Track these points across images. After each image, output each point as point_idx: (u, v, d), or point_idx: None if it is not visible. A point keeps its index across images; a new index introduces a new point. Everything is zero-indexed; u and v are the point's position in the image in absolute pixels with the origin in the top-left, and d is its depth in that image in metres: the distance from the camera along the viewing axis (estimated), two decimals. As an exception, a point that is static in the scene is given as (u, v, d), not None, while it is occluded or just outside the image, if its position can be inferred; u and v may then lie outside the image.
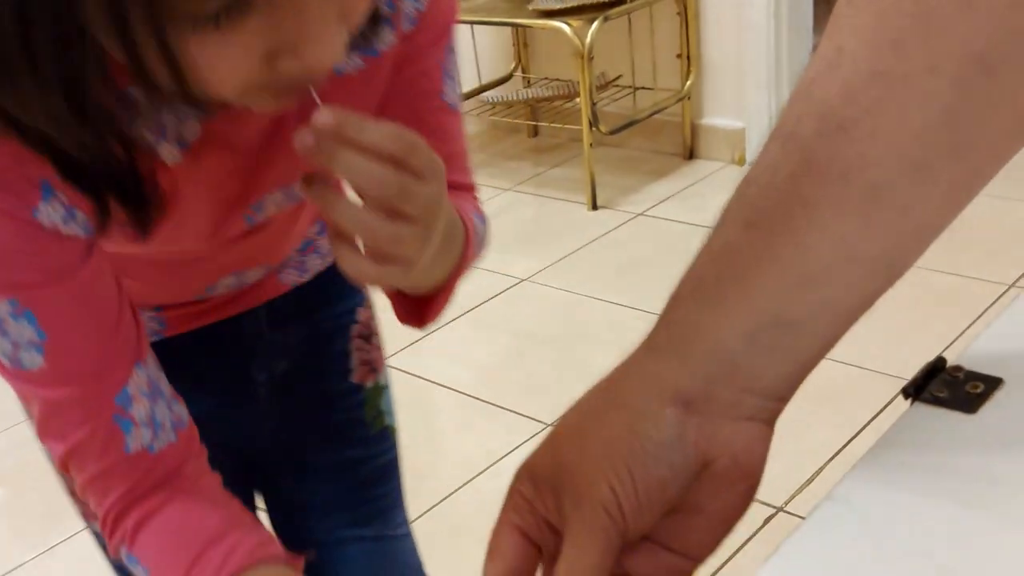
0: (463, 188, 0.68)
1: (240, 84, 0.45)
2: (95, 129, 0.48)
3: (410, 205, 0.48)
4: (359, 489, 0.87)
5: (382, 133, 0.47)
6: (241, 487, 0.75)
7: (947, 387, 0.43)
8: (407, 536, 0.92)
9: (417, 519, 1.69)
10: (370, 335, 0.87)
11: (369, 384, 0.87)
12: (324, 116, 0.45)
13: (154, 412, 0.60)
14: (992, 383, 0.43)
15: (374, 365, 0.87)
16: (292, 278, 0.80)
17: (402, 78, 0.63)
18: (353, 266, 0.50)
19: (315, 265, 0.81)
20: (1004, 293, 2.09)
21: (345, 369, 0.85)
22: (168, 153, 0.56)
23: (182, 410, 0.63)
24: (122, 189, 0.52)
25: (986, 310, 2.01)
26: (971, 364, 0.44)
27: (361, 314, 0.86)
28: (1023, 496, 0.37)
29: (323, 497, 0.87)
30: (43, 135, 0.47)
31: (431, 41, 0.63)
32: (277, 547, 0.62)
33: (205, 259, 0.70)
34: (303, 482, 0.87)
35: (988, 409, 0.42)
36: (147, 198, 0.54)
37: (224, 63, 0.43)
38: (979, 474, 0.39)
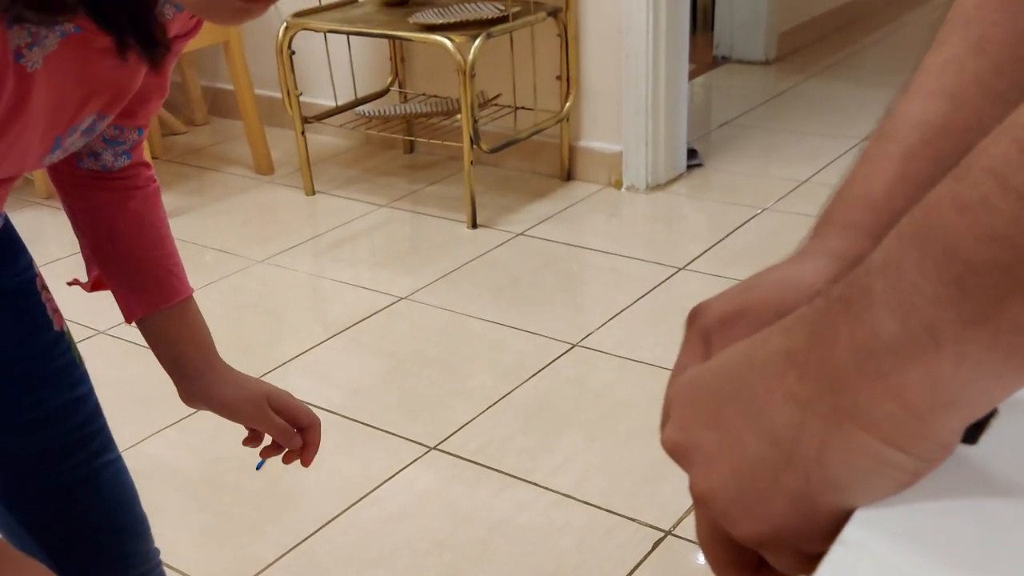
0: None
1: None
2: None
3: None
4: (92, 421, 0.93)
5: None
6: None
7: (941, 414, 0.39)
8: None
9: (288, 553, 1.59)
10: (45, 285, 0.92)
11: (65, 328, 0.93)
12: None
13: None
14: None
15: (59, 311, 0.93)
16: None
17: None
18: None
19: None
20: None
21: (46, 320, 0.90)
22: (32, 60, 0.62)
23: None
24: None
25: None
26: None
27: (36, 267, 0.91)
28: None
29: (61, 440, 0.91)
30: None
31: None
32: None
33: None
34: (34, 433, 0.90)
35: (988, 438, 0.38)
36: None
37: None
38: (994, 508, 0.35)
